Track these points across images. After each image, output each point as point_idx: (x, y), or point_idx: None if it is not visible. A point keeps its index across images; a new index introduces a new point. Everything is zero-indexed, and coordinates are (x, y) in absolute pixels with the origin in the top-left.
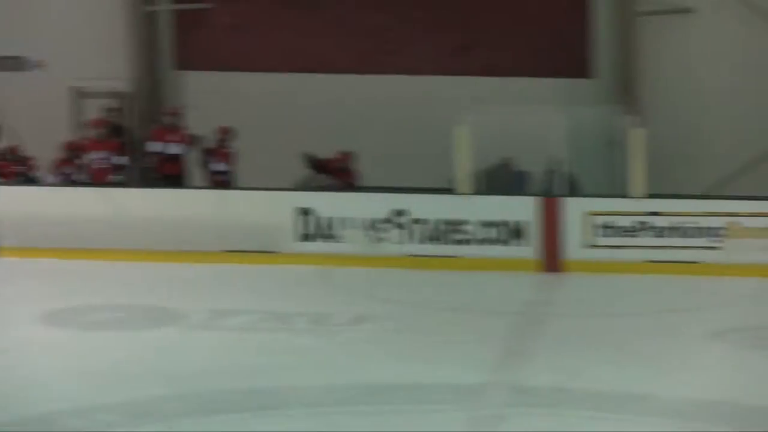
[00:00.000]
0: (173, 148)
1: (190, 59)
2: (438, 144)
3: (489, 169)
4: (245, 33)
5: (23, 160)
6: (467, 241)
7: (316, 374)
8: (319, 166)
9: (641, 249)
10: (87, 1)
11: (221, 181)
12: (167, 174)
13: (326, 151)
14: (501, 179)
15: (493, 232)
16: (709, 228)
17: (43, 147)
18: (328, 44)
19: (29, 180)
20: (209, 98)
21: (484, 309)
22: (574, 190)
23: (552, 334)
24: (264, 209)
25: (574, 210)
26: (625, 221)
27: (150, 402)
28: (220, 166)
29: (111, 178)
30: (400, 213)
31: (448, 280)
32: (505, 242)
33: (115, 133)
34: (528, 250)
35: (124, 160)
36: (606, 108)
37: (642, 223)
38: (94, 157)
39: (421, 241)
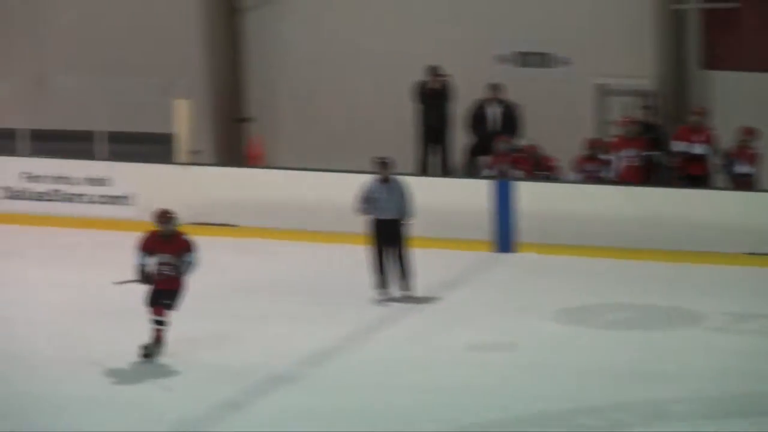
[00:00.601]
0: (698, 149)
1: (717, 58)
2: None
3: None
4: None
5: (542, 160)
6: None
7: None
8: None
9: None
10: None
11: (744, 183)
12: (691, 174)
13: None
14: None
15: None
16: None
17: (566, 144)
18: None
19: (550, 177)
20: (735, 99)
21: None
22: None
23: None
24: None
25: None
26: None
27: (666, 402)
28: (744, 168)
29: (640, 176)
30: None
31: None
32: None
33: (645, 132)
34: None
35: (652, 158)
36: None
37: None
38: (624, 155)
39: None
